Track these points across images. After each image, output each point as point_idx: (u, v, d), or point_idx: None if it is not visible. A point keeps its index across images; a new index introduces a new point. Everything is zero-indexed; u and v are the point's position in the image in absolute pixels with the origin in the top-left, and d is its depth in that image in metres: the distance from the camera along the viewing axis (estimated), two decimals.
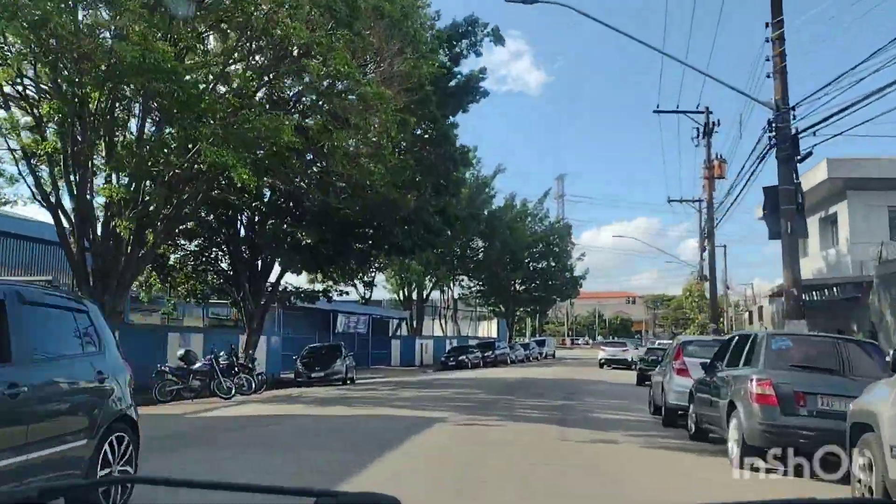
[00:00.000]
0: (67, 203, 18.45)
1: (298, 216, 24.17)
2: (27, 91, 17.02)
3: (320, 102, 19.90)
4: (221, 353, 19.85)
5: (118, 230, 17.10)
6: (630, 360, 39.41)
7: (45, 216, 19.31)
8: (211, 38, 19.77)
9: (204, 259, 26.35)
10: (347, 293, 33.56)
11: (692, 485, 7.96)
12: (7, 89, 16.48)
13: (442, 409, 15.18)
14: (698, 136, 27.86)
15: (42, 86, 16.80)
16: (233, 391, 18.77)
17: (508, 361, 45.64)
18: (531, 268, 58.46)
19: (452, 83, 25.26)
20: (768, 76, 14.83)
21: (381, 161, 19.17)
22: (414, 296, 51.59)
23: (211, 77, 17.80)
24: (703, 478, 8.31)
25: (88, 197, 18.13)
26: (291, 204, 24.50)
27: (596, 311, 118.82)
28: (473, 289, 59.58)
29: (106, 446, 5.03)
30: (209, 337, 25.42)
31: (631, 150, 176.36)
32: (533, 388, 22.42)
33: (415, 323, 50.44)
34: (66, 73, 15.61)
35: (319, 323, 38.56)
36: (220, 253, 26.55)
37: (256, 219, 25.06)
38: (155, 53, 14.00)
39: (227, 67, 18.04)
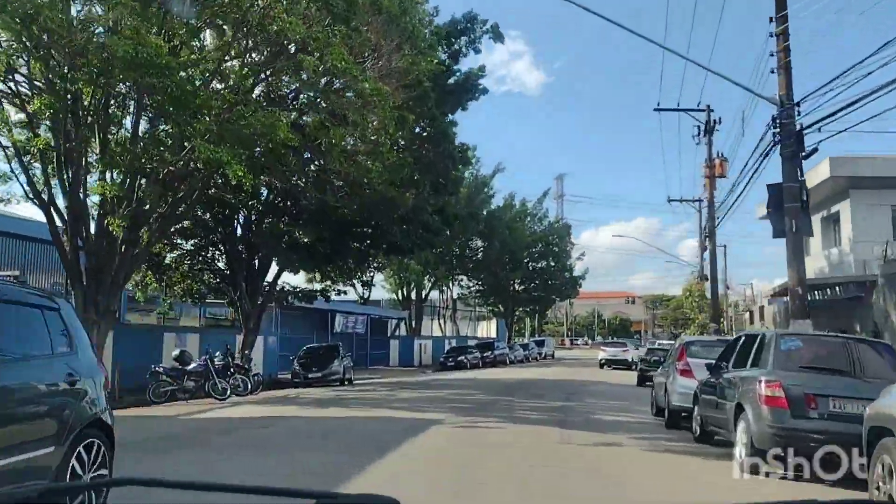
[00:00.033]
0: (61, 201, 18.25)
1: (295, 215, 23.90)
2: (20, 87, 16.78)
3: (318, 100, 19.65)
4: (217, 354, 19.60)
5: (111, 228, 16.79)
6: (630, 360, 39.17)
7: (38, 214, 19.08)
8: (207, 34, 19.50)
9: (200, 258, 26.09)
10: (345, 293, 33.31)
11: (698, 488, 7.72)
12: None
13: (440, 410, 14.92)
14: (699, 134, 27.63)
15: (36, 83, 16.52)
16: (228, 392, 18.50)
17: (507, 362, 45.39)
18: (530, 268, 58.24)
19: (451, 81, 24.99)
20: (772, 72, 14.61)
21: (379, 159, 18.91)
22: (413, 296, 51.37)
23: (206, 73, 17.54)
24: (710, 481, 8.06)
25: (82, 195, 17.87)
26: (289, 203, 24.25)
27: (595, 312, 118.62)
28: (472, 289, 59.36)
29: (77, 453, 4.67)
30: (205, 337, 25.18)
31: (630, 150, 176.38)
32: (532, 389, 22.16)
33: (413, 323, 50.19)
34: (57, 68, 15.33)
35: (317, 323, 38.30)
36: (216, 252, 26.30)
37: (253, 217, 24.79)
38: (147, 48, 13.72)
39: (223, 64, 17.78)
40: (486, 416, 13.92)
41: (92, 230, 18.28)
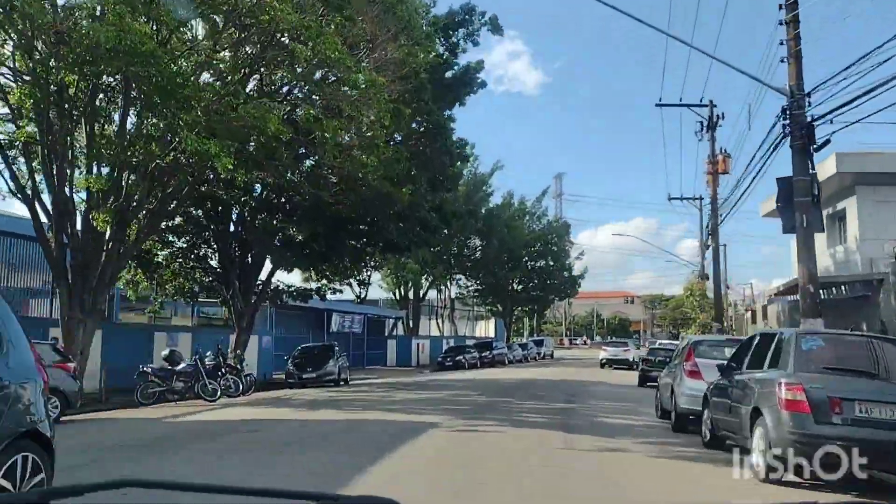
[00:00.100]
0: (46, 197, 17.71)
1: (289, 211, 23.36)
2: (3, 78, 16.23)
3: (313, 96, 19.11)
4: (208, 354, 19.04)
5: (96, 224, 16.23)
6: (632, 360, 38.66)
7: (22, 210, 18.54)
8: (199, 25, 18.94)
9: (192, 256, 25.53)
10: (341, 291, 32.74)
11: (714, 497, 7.18)
12: None
13: (437, 412, 14.37)
14: (702, 129, 27.05)
15: (24, 76, 15.95)
16: (218, 393, 17.93)
17: (506, 362, 44.91)
18: (529, 267, 57.79)
19: (449, 74, 24.45)
20: (782, 61, 14.05)
21: (375, 153, 18.37)
22: (410, 295, 50.93)
23: (196, 64, 16.98)
24: (725, 489, 7.55)
25: (67, 190, 17.32)
26: (282, 199, 23.71)
27: (594, 311, 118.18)
28: (471, 288, 58.91)
29: (5, 470, 4.06)
30: (198, 336, 24.70)
31: (630, 150, 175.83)
32: (532, 390, 21.61)
33: (411, 322, 49.71)
34: (37, 55, 14.77)
35: (313, 322, 37.81)
36: (209, 250, 25.74)
37: (246, 214, 24.21)
38: (132, 35, 13.18)
39: (214, 55, 17.22)
40: (485, 418, 13.35)
41: (78, 226, 17.76)
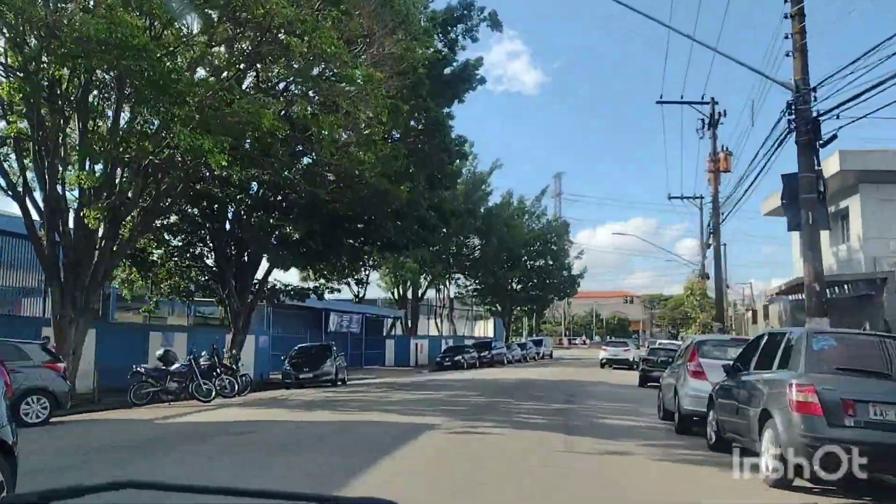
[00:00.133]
0: (37, 194, 17.44)
1: (285, 209, 23.06)
2: None
3: (310, 93, 18.82)
4: (203, 354, 18.75)
5: (87, 221, 15.94)
6: (632, 360, 38.40)
7: (13, 207, 18.24)
8: (194, 20, 18.64)
9: (188, 255, 25.23)
10: (339, 290, 32.46)
11: (723, 503, 6.93)
12: None
13: (435, 413, 14.08)
14: (703, 127, 26.76)
15: (17, 73, 15.65)
16: (213, 394, 17.64)
17: (505, 362, 44.65)
18: (528, 266, 57.51)
19: (448, 71, 24.14)
20: (787, 55, 13.78)
21: (372, 150, 18.09)
22: (409, 294, 50.65)
23: (191, 59, 16.69)
24: (733, 493, 7.29)
25: (59, 187, 17.04)
26: (279, 197, 23.42)
27: (593, 311, 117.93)
28: (470, 287, 58.62)
29: None
30: (194, 336, 24.41)
31: (629, 150, 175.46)
32: (532, 390, 21.34)
33: (410, 322, 49.42)
34: (27, 49, 14.48)
35: (311, 322, 37.52)
36: (204, 248, 25.45)
37: (242, 212, 23.90)
38: (123, 28, 12.88)
39: (208, 50, 16.92)
40: (484, 420, 13.07)
41: (70, 224, 17.48)
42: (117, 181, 17.52)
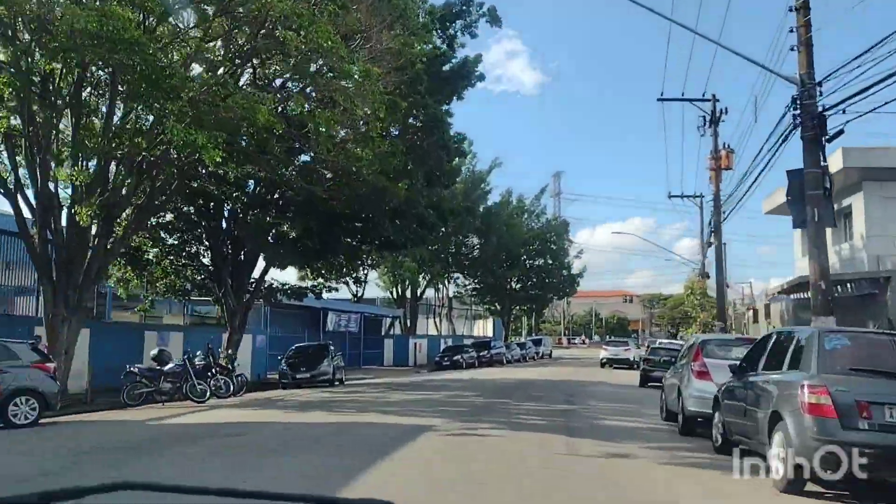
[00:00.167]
0: (29, 191, 17.14)
1: (282, 207, 22.76)
2: None
3: (307, 89, 18.54)
4: (198, 354, 18.47)
5: (77, 218, 15.66)
6: (632, 359, 38.13)
7: (4, 204, 17.95)
8: (190, 16, 18.36)
9: (184, 253, 24.94)
10: (337, 289, 32.18)
11: None
12: None
13: (432, 414, 13.81)
14: (704, 124, 26.47)
15: (10, 69, 15.36)
16: (207, 394, 17.35)
17: (504, 361, 44.39)
18: (528, 265, 57.26)
19: (447, 67, 23.84)
20: (792, 49, 13.52)
21: (369, 146, 17.80)
22: (408, 294, 50.38)
23: (186, 55, 16.41)
24: (744, 499, 7.04)
25: (51, 183, 16.75)
26: (276, 195, 23.14)
27: (592, 311, 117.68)
28: (469, 287, 58.34)
29: None
30: (190, 336, 24.13)
31: (629, 150, 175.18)
32: (531, 391, 21.07)
33: (408, 322, 49.13)
34: (18, 43, 14.19)
35: (309, 321, 37.23)
36: (200, 247, 25.15)
37: (238, 211, 23.59)
38: (114, 21, 12.60)
39: (203, 45, 16.63)
40: (483, 421, 12.79)
41: (63, 221, 17.20)
42: (111, 178, 17.26)
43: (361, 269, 36.18)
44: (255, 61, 18.42)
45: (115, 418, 14.34)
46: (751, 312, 37.76)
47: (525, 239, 54.61)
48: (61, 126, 17.08)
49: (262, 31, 16.16)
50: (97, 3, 13.33)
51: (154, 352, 18.57)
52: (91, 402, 16.79)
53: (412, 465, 8.44)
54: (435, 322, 59.33)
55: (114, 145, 15.59)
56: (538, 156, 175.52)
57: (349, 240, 24.93)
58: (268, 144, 17.38)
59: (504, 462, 8.56)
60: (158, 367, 17.54)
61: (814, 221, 12.80)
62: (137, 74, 13.76)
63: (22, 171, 17.25)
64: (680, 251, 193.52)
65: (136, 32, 13.13)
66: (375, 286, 50.93)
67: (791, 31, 13.60)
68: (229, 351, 21.80)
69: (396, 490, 6.79)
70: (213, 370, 18.42)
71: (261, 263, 25.16)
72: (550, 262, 58.13)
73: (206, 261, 25.00)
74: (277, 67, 18.49)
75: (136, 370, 17.32)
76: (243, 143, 17.51)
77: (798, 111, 13.18)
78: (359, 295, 44.26)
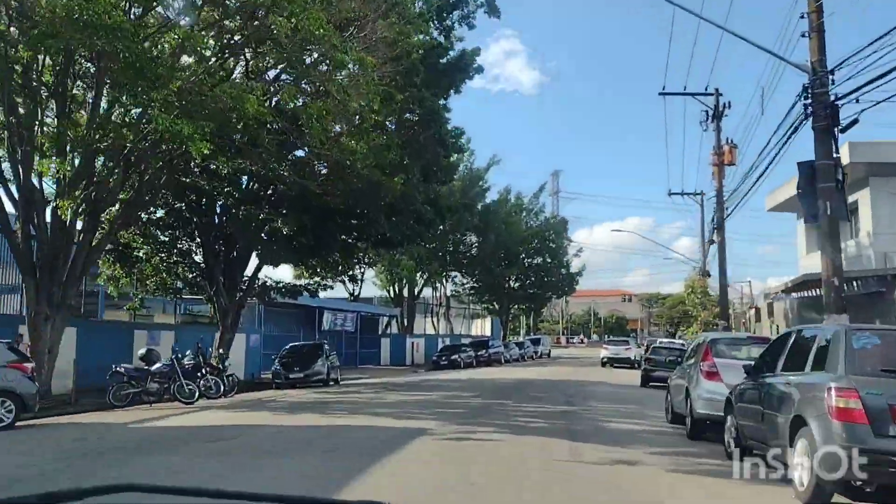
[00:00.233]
0: (12, 185, 16.58)
1: (275, 202, 22.18)
2: None
3: (302, 82, 17.97)
4: (187, 353, 17.91)
5: (60, 213, 15.09)
6: (633, 359, 37.62)
7: None
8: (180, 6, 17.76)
9: (175, 251, 24.34)
10: (332, 288, 31.60)
11: None
12: None
13: (428, 416, 13.26)
14: (707, 119, 25.91)
15: None
16: (196, 395, 16.79)
17: (502, 361, 43.88)
18: (526, 264, 56.71)
19: (444, 60, 23.25)
20: (803, 35, 12.97)
21: (364, 139, 17.24)
22: (405, 292, 49.81)
23: (174, 43, 15.83)
24: None
25: (34, 178, 16.18)
26: (269, 191, 22.56)
27: (591, 310, 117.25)
28: (467, 285, 57.78)
29: None
30: (181, 335, 23.57)
31: (628, 150, 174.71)
32: (530, 391, 20.53)
33: (405, 321, 48.56)
34: None
35: (304, 320, 36.68)
36: (192, 244, 24.57)
37: (230, 206, 22.99)
38: (94, 4, 12.04)
39: (191, 34, 16.05)
40: (481, 423, 12.23)
41: (47, 217, 16.63)
42: (96, 171, 16.70)
43: (357, 266, 35.57)
44: (247, 54, 17.88)
45: (98, 420, 13.75)
46: (753, 311, 37.27)
47: (523, 237, 54.06)
48: (45, 118, 16.52)
49: (255, 22, 15.61)
50: None
51: (142, 351, 18.06)
52: (76, 403, 16.22)
53: (406, 472, 7.89)
54: (432, 321, 58.74)
55: (98, 136, 15.00)
56: (537, 155, 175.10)
57: (344, 236, 24.37)
58: (259, 137, 16.83)
59: (505, 479, 7.92)
60: (146, 367, 16.99)
61: (826, 215, 12.25)
62: (122, 62, 13.20)
63: (4, 165, 16.74)
64: (678, 250, 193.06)
65: (120, 18, 12.57)
66: (372, 285, 50.43)
67: (802, 16, 13.07)
68: (220, 350, 21.24)
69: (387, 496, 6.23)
70: (203, 370, 17.89)
71: (254, 261, 24.66)
72: (549, 260, 57.60)
73: (197, 258, 24.43)
74: (270, 59, 17.93)
75: (123, 370, 16.77)
76: (234, 137, 16.94)
77: (809, 100, 12.64)
78: (355, 294, 43.70)
